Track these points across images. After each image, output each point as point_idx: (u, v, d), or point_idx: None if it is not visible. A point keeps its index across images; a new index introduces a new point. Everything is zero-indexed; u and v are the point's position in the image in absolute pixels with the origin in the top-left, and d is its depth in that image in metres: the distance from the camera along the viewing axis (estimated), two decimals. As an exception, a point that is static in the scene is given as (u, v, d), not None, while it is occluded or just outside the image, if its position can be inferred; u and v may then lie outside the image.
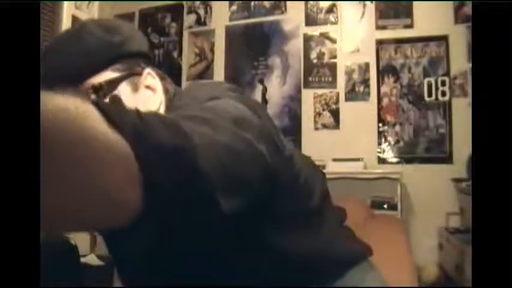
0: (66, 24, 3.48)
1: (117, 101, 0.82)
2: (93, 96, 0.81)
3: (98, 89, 0.83)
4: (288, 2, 4.48)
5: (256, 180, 0.64)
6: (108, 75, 0.85)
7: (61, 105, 0.38)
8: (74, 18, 3.56)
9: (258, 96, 4.31)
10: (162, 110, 0.91)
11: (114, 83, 0.86)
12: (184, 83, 4.46)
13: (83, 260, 2.99)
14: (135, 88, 0.89)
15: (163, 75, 0.96)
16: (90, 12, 3.75)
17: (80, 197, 0.37)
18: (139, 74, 0.90)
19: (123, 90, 0.86)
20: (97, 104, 0.42)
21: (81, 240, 3.06)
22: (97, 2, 3.82)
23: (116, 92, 0.86)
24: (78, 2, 3.61)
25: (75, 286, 2.53)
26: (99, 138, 0.39)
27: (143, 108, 0.83)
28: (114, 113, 0.43)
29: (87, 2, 3.70)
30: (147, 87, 0.91)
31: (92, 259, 3.16)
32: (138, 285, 0.91)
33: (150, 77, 0.92)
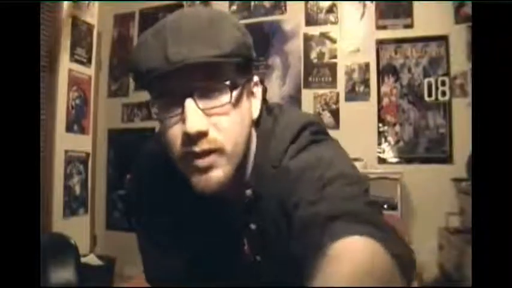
0: (66, 24, 3.48)
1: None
2: (227, 97, 0.79)
3: (234, 88, 0.81)
4: (288, 2, 4.48)
5: None
6: (237, 75, 0.83)
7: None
8: (74, 18, 3.56)
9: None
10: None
11: (242, 86, 0.84)
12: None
13: (83, 260, 2.99)
14: (248, 94, 0.88)
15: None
16: (90, 12, 3.75)
17: None
18: (252, 80, 0.90)
19: (244, 95, 0.85)
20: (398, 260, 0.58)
21: (81, 240, 3.06)
22: (97, 2, 3.82)
23: (243, 97, 0.85)
24: (78, 4, 3.61)
25: (75, 286, 2.53)
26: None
27: (250, 114, 0.88)
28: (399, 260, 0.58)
29: (87, 2, 3.70)
30: (252, 93, 0.91)
31: (91, 259, 3.17)
32: None
33: (256, 85, 0.92)
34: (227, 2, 4.68)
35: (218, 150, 0.80)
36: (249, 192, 0.90)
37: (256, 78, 0.92)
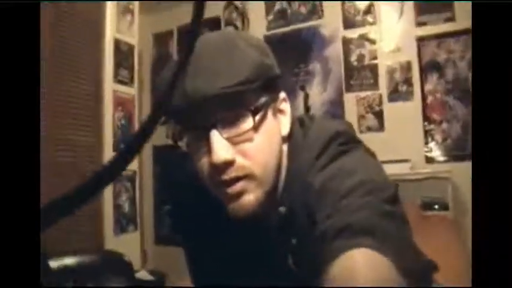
0: (109, 47, 3.58)
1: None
2: (250, 122, 0.79)
3: (256, 112, 0.81)
4: (324, 7, 4.44)
5: None
6: (259, 98, 0.82)
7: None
8: (116, 42, 3.66)
9: (300, 103, 4.29)
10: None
11: (265, 108, 0.84)
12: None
13: (135, 276, 3.04)
14: (274, 112, 0.88)
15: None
16: (130, 33, 3.85)
17: None
18: (277, 98, 0.90)
19: (269, 115, 0.85)
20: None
21: (132, 256, 3.12)
22: (136, 24, 3.91)
23: (267, 118, 0.84)
24: (119, 26, 3.71)
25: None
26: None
27: (278, 133, 0.88)
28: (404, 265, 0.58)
29: (127, 24, 3.80)
30: (280, 111, 0.91)
31: (143, 275, 3.22)
32: None
33: (284, 102, 0.92)
34: (264, 11, 4.70)
35: (247, 176, 0.81)
36: (282, 209, 0.89)
37: (283, 95, 0.91)
